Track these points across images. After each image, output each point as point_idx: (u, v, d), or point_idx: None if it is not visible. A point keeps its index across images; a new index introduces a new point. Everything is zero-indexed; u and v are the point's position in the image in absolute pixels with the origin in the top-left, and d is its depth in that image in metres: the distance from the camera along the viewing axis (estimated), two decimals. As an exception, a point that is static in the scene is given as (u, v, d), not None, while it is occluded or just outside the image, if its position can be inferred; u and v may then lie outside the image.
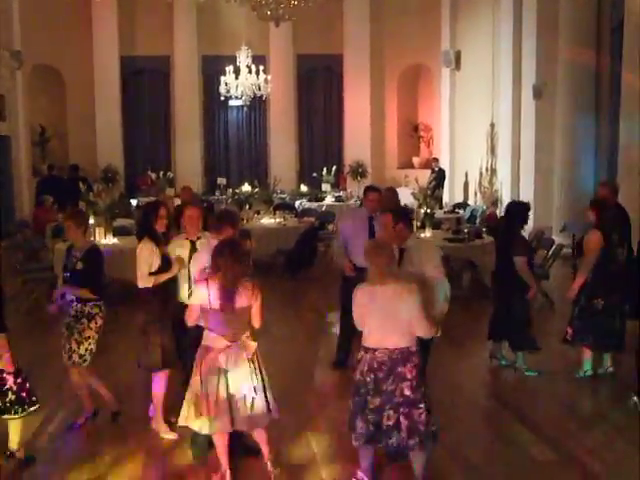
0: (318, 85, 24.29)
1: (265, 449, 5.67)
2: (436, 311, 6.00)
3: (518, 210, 8.26)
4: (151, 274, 6.37)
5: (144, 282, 6.38)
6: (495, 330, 8.33)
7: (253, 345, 5.44)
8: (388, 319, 5.11)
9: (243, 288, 5.29)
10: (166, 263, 6.45)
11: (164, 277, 6.42)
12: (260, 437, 5.65)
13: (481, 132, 18.77)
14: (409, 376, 5.13)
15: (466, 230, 12.46)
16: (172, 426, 6.36)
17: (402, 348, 5.14)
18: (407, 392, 5.12)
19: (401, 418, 5.11)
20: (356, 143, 22.95)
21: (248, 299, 5.33)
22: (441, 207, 16.73)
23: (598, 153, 14.43)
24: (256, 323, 5.50)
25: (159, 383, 6.49)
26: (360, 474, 5.44)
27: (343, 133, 23.78)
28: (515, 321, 8.04)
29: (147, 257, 6.36)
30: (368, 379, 5.19)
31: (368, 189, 8.51)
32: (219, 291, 5.25)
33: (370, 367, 5.18)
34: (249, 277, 5.41)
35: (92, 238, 11.85)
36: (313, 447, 6.27)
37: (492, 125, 18.39)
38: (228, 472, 5.55)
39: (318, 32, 22.46)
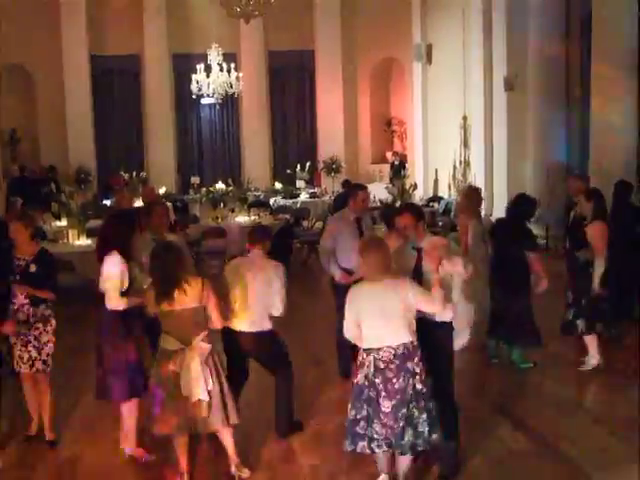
0: (290, 81, 24.21)
1: (230, 452, 5.65)
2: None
3: (528, 205, 8.17)
4: (123, 294, 5.81)
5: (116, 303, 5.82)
6: (496, 328, 8.22)
7: (206, 347, 5.36)
8: (388, 315, 5.01)
9: (190, 288, 5.26)
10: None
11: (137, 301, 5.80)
12: (225, 440, 5.64)
13: (454, 125, 18.84)
14: (418, 370, 5.05)
15: (440, 223, 12.52)
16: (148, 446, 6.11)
17: (406, 343, 5.04)
18: (419, 386, 5.04)
19: (417, 412, 5.00)
20: (329, 139, 22.90)
21: (196, 299, 5.30)
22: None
23: (570, 143, 14.52)
24: (214, 323, 5.49)
25: (130, 412, 6.05)
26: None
27: (316, 129, 23.73)
28: (518, 316, 7.92)
29: (119, 274, 5.76)
30: (377, 381, 5.02)
31: (356, 187, 8.16)
32: (157, 294, 5.28)
33: (377, 368, 5.03)
34: (198, 276, 5.43)
35: (66, 240, 11.81)
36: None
37: (465, 118, 18.46)
38: (186, 475, 5.54)
39: (289, 28, 22.37)
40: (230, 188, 19.04)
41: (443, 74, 19.70)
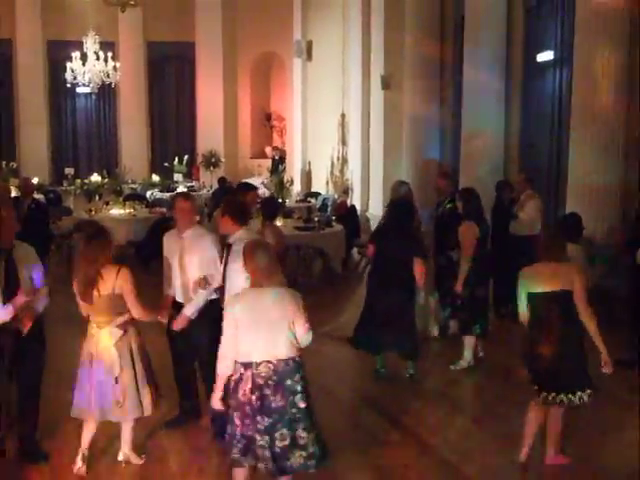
0: (169, 73, 23.92)
1: (124, 440, 5.64)
2: None
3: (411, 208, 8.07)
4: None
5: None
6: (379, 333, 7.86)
7: (115, 333, 5.35)
8: (271, 328, 4.65)
9: (107, 275, 5.28)
10: None
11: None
12: (124, 428, 5.62)
13: (332, 122, 19.05)
14: (299, 387, 4.71)
15: (317, 219, 12.63)
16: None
17: (285, 360, 4.68)
18: (302, 404, 4.70)
19: (303, 434, 4.69)
20: (209, 132, 22.74)
21: (111, 285, 5.28)
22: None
23: (443, 141, 14.92)
24: (132, 311, 5.41)
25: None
26: None
27: (196, 122, 23.53)
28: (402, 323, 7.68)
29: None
30: (254, 397, 4.65)
31: (248, 187, 7.91)
32: (76, 280, 5.34)
33: (255, 384, 4.65)
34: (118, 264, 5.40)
35: None
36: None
37: (343, 115, 18.71)
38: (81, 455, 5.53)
39: (169, 19, 22.10)
40: (105, 180, 18.65)
41: (323, 71, 19.86)
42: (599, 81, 9.89)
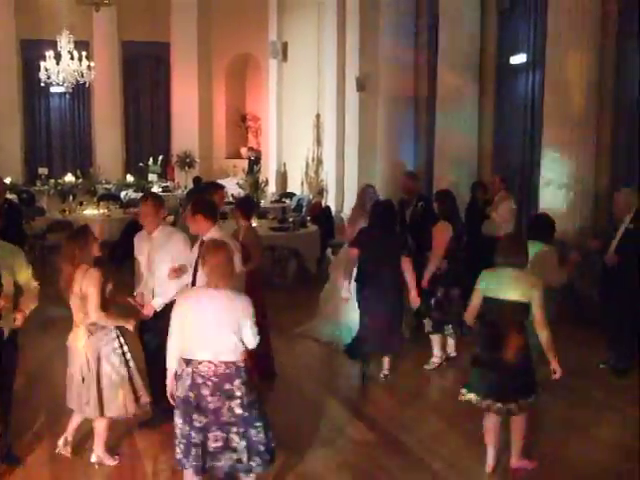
0: (144, 73, 23.83)
1: (97, 440, 5.68)
2: None
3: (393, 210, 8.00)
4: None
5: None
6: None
7: (83, 334, 5.42)
8: (218, 329, 4.66)
9: (78, 275, 5.37)
10: None
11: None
12: (97, 427, 5.66)
13: (307, 123, 19.06)
14: (238, 393, 4.70)
15: (291, 219, 12.65)
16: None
17: (228, 362, 4.70)
18: (238, 411, 4.70)
19: (237, 438, 4.71)
20: (184, 133, 22.70)
21: (78, 286, 5.36)
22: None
23: (417, 142, 14.98)
24: (91, 315, 5.40)
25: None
26: None
27: (171, 122, 23.47)
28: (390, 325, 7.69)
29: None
30: (191, 395, 4.71)
31: (216, 186, 7.96)
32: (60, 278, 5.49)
33: (194, 381, 4.70)
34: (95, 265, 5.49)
35: None
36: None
37: (318, 116, 18.73)
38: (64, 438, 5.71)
39: (144, 19, 22.01)
40: (79, 180, 18.54)
41: (298, 72, 19.88)
42: (571, 83, 10.01)
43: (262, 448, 4.79)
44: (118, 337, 5.56)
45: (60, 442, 5.73)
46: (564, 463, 5.88)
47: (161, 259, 6.09)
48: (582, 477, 5.71)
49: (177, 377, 4.81)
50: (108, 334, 5.50)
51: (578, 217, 10.09)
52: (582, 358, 8.04)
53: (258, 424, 4.78)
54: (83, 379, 5.43)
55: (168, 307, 5.57)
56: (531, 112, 11.92)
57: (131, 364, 5.61)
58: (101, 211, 14.32)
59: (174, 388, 4.87)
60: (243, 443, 4.73)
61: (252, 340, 4.79)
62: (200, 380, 4.69)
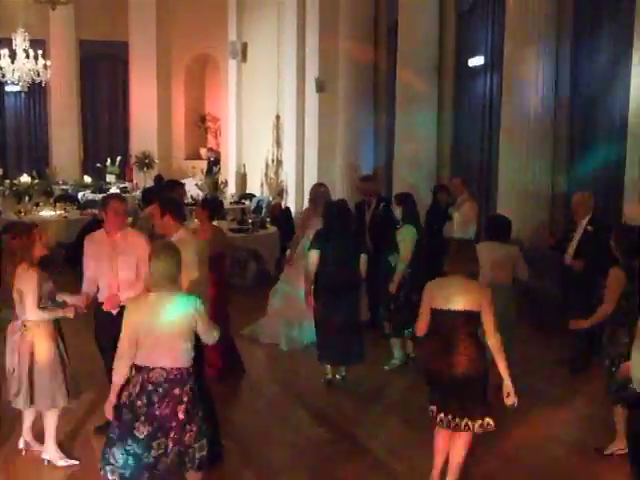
0: (102, 73, 23.57)
1: (46, 439, 5.68)
2: None
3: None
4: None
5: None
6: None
7: (15, 327, 5.52)
8: (170, 335, 4.56)
9: (18, 273, 5.43)
10: None
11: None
12: (45, 423, 5.69)
13: (267, 124, 19.02)
14: (185, 399, 4.61)
15: (250, 221, 12.61)
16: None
17: (180, 368, 4.61)
18: (181, 415, 4.60)
19: (170, 443, 4.59)
20: (143, 133, 22.49)
21: (17, 283, 5.44)
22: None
23: (376, 143, 15.03)
24: (26, 313, 5.45)
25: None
26: None
27: (129, 122, 23.25)
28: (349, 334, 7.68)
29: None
30: (139, 402, 4.56)
31: (177, 184, 8.08)
32: None
33: (143, 389, 4.56)
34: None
35: None
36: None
37: (278, 117, 18.70)
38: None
39: (102, 18, 21.77)
40: (36, 181, 18.24)
41: (258, 73, 19.82)
42: (527, 85, 10.13)
43: (191, 452, 4.67)
44: (54, 332, 5.59)
45: (20, 444, 5.76)
46: (520, 461, 5.94)
47: (124, 261, 5.99)
48: (537, 474, 5.78)
49: (127, 381, 4.66)
50: (45, 329, 5.51)
51: (534, 218, 10.19)
52: (538, 357, 8.14)
53: (192, 427, 4.65)
54: (13, 370, 5.51)
55: None
56: (489, 114, 12.02)
57: (65, 360, 5.64)
58: (58, 212, 14.16)
59: (114, 400, 4.70)
60: (176, 448, 4.61)
61: (211, 336, 4.79)
62: (150, 387, 4.58)
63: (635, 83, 8.47)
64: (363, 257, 7.54)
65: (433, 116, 12.80)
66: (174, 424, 4.59)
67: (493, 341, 5.07)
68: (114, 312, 5.93)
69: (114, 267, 6.00)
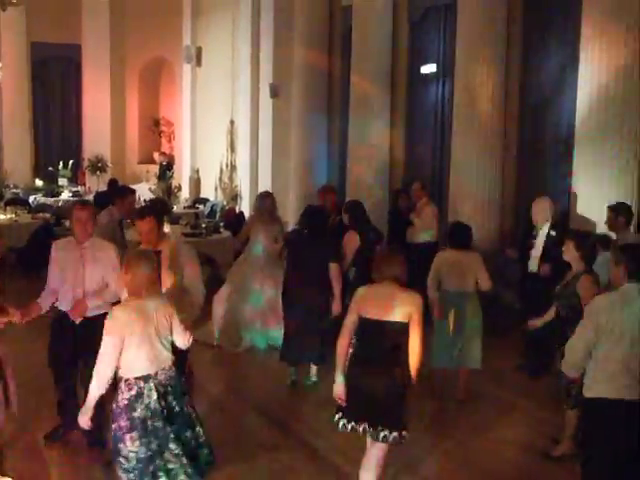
0: (55, 75, 23.29)
1: None
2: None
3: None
4: None
5: None
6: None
7: None
8: (157, 337, 4.74)
9: None
10: None
11: None
12: None
13: (222, 128, 18.99)
14: (185, 390, 4.96)
15: (204, 225, 12.59)
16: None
17: (172, 364, 4.86)
18: (188, 409, 4.94)
19: (202, 432, 4.96)
20: (96, 136, 22.27)
21: None
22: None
23: (330, 149, 15.11)
24: None
25: None
26: None
27: (82, 126, 23.01)
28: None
29: None
30: (158, 407, 4.69)
31: (128, 190, 8.10)
32: None
33: (159, 394, 4.71)
34: None
35: None
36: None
37: (232, 122, 18.69)
38: None
39: (54, 20, 21.50)
40: (-14, 184, 18.01)
41: (212, 77, 19.78)
42: (478, 92, 10.31)
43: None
44: None
45: None
46: (472, 465, 6.03)
47: (93, 269, 5.92)
48: (490, 477, 5.87)
49: (130, 399, 4.68)
50: None
51: (487, 225, 10.33)
52: (495, 363, 8.25)
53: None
54: None
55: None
56: (441, 121, 12.20)
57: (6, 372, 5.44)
58: (8, 216, 13.97)
59: (91, 413, 4.73)
60: (202, 430, 4.97)
61: (184, 339, 4.95)
62: (163, 389, 4.76)
63: (582, 84, 8.57)
64: (333, 265, 7.54)
65: (386, 122, 12.86)
66: (192, 415, 4.91)
67: (415, 350, 4.91)
68: (77, 321, 5.88)
69: (80, 276, 5.92)
